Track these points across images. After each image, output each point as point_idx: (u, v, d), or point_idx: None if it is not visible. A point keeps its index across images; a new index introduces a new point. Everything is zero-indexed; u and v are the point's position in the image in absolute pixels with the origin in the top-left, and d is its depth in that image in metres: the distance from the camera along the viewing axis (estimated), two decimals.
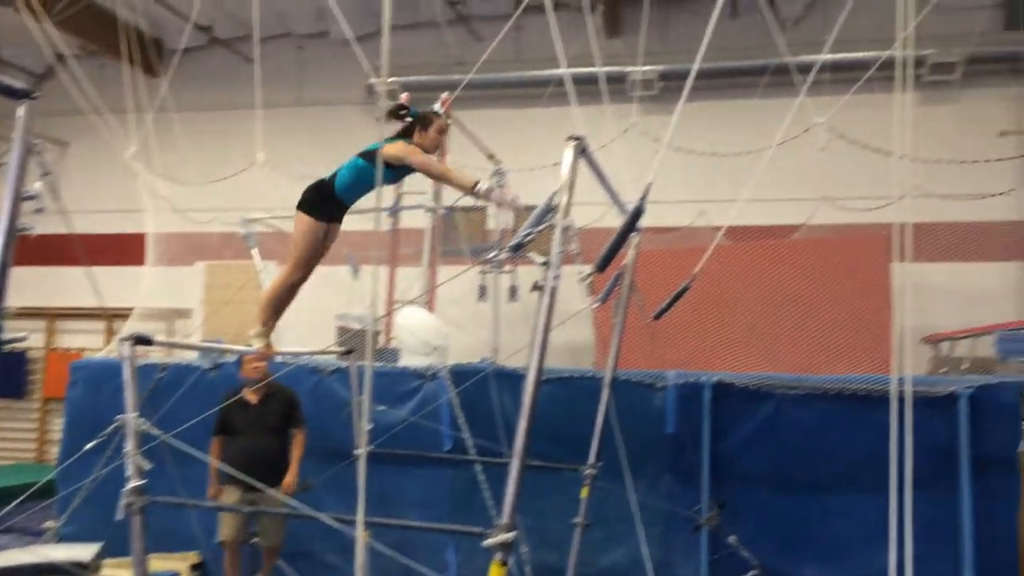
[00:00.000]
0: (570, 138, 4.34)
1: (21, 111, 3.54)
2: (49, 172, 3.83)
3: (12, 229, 3.44)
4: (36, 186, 3.71)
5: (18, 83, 3.49)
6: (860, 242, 9.42)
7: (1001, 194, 10.41)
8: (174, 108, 10.51)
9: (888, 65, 8.23)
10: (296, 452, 6.44)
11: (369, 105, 12.86)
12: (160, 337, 11.67)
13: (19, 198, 3.56)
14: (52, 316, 13.87)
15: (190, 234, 11.91)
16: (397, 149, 4.84)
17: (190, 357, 8.17)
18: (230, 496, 6.26)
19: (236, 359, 6.98)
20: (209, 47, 13.66)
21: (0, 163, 3.84)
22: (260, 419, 6.38)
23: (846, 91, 8.64)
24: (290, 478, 6.32)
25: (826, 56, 8.85)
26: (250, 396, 6.40)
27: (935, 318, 9.46)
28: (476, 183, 4.88)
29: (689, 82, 5.07)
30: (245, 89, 10.43)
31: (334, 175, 4.97)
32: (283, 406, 6.51)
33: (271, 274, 9.05)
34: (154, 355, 8.24)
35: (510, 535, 3.43)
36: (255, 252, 8.83)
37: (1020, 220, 10.88)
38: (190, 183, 11.16)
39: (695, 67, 5.15)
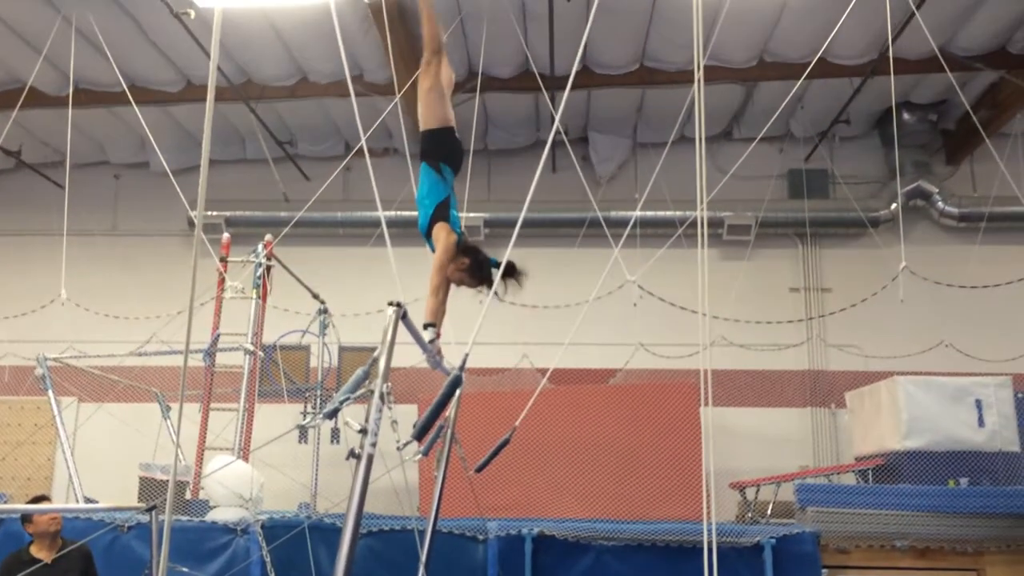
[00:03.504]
0: (390, 303, 4.37)
1: None
2: None
3: None
4: None
5: None
6: (671, 388, 9.91)
7: (796, 345, 11.37)
8: None
9: (692, 224, 8.96)
10: None
11: (190, 237, 12.50)
12: None
13: None
14: None
15: None
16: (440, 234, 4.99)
17: None
18: None
19: (20, 519, 6.26)
20: (16, 170, 12.97)
21: None
22: None
23: (656, 244, 9.28)
24: None
25: (637, 213, 9.57)
26: (43, 554, 5.67)
27: (740, 460, 10.01)
28: (431, 325, 4.81)
29: (515, 233, 5.31)
30: (55, 216, 9.95)
31: None
32: (79, 563, 5.80)
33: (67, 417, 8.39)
34: None
35: None
36: (51, 394, 8.13)
37: (811, 369, 11.87)
38: None
39: (521, 217, 5.41)
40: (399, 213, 11.19)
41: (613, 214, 10.95)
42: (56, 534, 5.65)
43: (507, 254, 5.11)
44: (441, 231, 5.16)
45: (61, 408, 8.16)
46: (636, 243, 9.45)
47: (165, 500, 5.22)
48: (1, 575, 5.43)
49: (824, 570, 6.58)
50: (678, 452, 9.11)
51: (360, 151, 8.91)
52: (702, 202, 5.28)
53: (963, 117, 11.59)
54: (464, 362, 4.84)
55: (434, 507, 5.93)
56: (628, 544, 6.63)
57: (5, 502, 7.22)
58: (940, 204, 12.11)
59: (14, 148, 12.16)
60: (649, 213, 11.23)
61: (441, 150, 5.34)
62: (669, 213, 11.11)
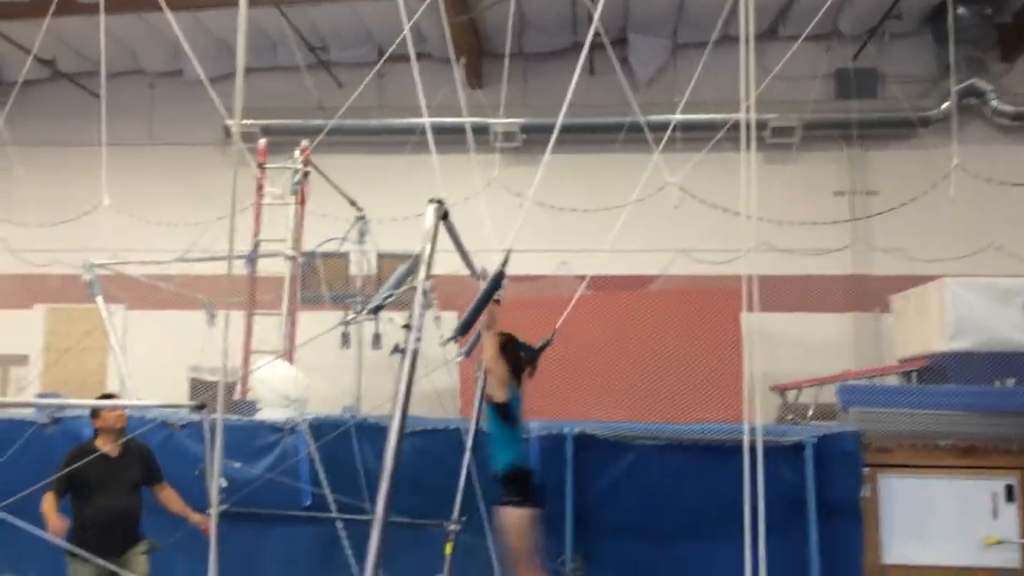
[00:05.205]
0: (431, 201, 4.30)
1: None
2: None
3: None
4: None
5: None
6: (712, 293, 9.84)
7: (840, 249, 11.20)
8: (12, 143, 9.87)
9: (734, 127, 8.71)
10: (179, 502, 5.88)
11: (226, 146, 12.49)
12: None
13: None
14: None
15: (28, 276, 11.15)
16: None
17: (23, 410, 7.57)
18: (84, 570, 5.39)
19: (89, 413, 6.45)
20: (52, 80, 12.96)
21: None
22: (121, 474, 5.71)
23: (696, 148, 9.07)
24: (200, 517, 5.60)
25: (678, 117, 9.33)
26: (109, 448, 5.88)
27: (781, 365, 9.97)
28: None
29: (553, 138, 5.19)
30: (91, 125, 9.94)
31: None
32: (143, 461, 5.96)
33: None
34: None
35: None
36: (100, 300, 8.28)
37: (855, 274, 11.70)
38: (28, 222, 10.45)
39: (559, 122, 5.28)
40: (440, 119, 11.03)
41: (652, 118, 10.69)
42: (122, 431, 5.82)
43: (545, 160, 5.03)
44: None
45: (110, 315, 8.33)
46: (676, 147, 9.25)
47: (214, 399, 5.35)
48: (67, 463, 5.61)
49: (865, 469, 6.59)
50: (719, 356, 9.09)
51: (392, 56, 8.78)
52: (747, 102, 5.11)
53: (1020, 10, 11.09)
54: (506, 259, 4.80)
55: (476, 408, 6.01)
56: (669, 443, 6.67)
57: None
58: (994, 102, 11.67)
59: (48, 57, 12.13)
60: (690, 116, 10.93)
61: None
62: (710, 116, 10.81)
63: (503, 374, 5.25)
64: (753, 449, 4.41)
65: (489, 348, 5.22)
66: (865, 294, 11.51)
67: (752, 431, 4.54)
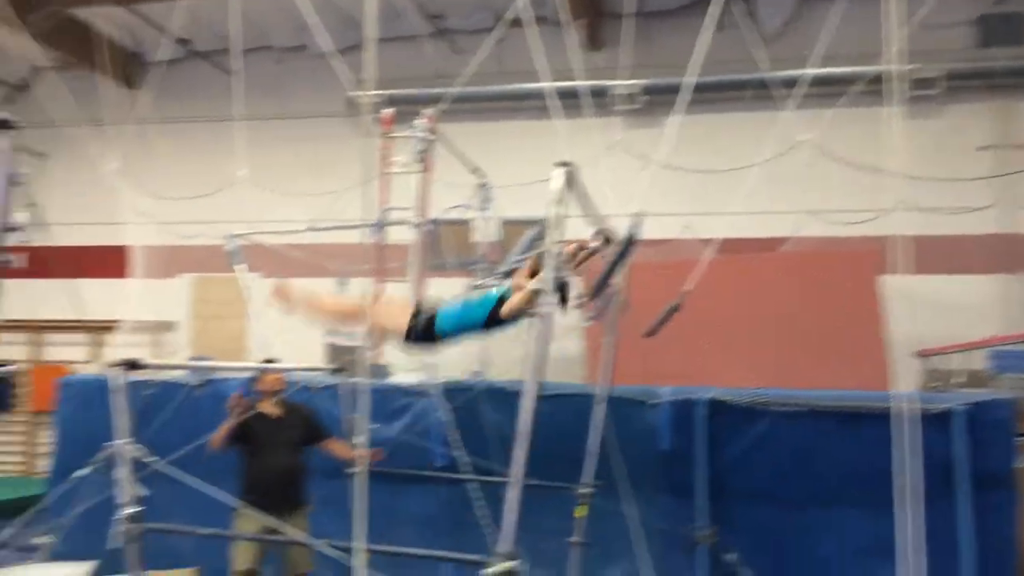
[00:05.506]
0: (559, 164, 4.25)
1: (3, 143, 3.51)
2: (34, 203, 3.82)
3: None
4: (20, 217, 3.68)
5: None
6: (848, 256, 9.47)
7: (985, 208, 10.56)
8: (154, 120, 10.39)
9: (872, 80, 8.28)
10: (348, 450, 6.04)
11: (351, 118, 12.76)
12: (146, 351, 11.63)
13: (3, 230, 3.55)
14: (36, 329, 13.50)
15: (174, 247, 11.78)
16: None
17: (176, 373, 8.04)
18: (247, 524, 5.74)
19: (249, 377, 6.78)
20: (189, 59, 13.52)
21: None
22: (284, 434, 6.09)
23: (826, 104, 8.69)
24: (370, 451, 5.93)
25: (810, 71, 8.95)
26: (272, 409, 6.19)
27: (922, 331, 9.52)
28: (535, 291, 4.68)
29: (686, 99, 5.05)
30: (225, 102, 10.33)
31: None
32: (306, 421, 6.27)
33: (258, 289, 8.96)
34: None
35: (512, 563, 3.42)
36: (242, 268, 8.68)
37: (1000, 233, 11.01)
38: (172, 196, 10.98)
39: (692, 81, 5.12)
40: (560, 83, 10.93)
41: (781, 73, 10.28)
42: (280, 393, 6.14)
43: (675, 122, 4.88)
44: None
45: (249, 283, 8.72)
46: (805, 103, 8.88)
47: (351, 362, 5.52)
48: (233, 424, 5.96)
49: (1019, 438, 6.24)
50: (855, 320, 8.76)
51: (511, 21, 8.75)
52: (889, 52, 4.87)
53: None
54: (638, 223, 4.73)
55: (606, 371, 6.00)
56: (802, 410, 6.48)
57: None
58: None
59: (185, 37, 12.64)
60: (822, 70, 10.46)
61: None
62: (848, 69, 10.33)
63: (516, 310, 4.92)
64: (903, 417, 4.24)
65: (528, 292, 4.81)
66: (1013, 254, 10.82)
67: (902, 398, 4.37)
